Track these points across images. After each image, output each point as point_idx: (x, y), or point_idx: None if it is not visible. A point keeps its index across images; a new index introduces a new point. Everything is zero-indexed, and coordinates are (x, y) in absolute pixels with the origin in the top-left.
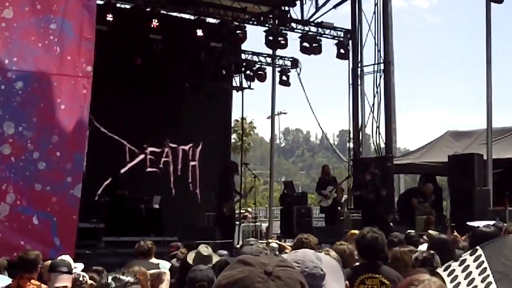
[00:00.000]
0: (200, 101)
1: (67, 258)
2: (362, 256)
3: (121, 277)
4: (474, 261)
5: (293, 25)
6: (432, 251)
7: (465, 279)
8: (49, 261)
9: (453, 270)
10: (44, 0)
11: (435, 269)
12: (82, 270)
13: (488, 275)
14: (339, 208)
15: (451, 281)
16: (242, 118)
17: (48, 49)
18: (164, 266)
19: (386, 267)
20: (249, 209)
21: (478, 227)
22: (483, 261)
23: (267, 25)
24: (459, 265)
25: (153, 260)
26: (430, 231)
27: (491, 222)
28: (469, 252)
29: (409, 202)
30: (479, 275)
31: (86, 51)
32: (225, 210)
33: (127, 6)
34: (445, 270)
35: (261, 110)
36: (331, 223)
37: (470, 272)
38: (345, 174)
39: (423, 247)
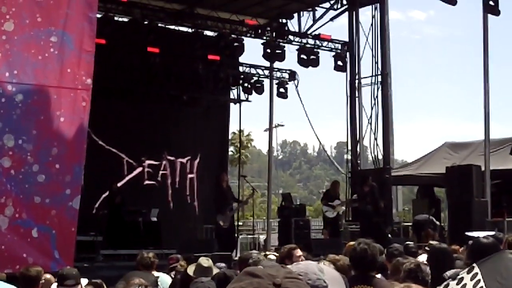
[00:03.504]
0: (198, 113)
1: None
2: (353, 268)
3: None
4: (471, 279)
5: (291, 37)
6: (422, 262)
7: None
8: (48, 275)
9: None
10: (45, 13)
11: (424, 279)
12: None
13: None
14: (339, 223)
15: None
16: (240, 131)
17: (48, 62)
18: (164, 279)
19: (379, 279)
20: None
21: (478, 237)
22: (479, 280)
23: (264, 37)
24: (457, 284)
25: (154, 273)
26: (432, 242)
27: (491, 233)
28: (466, 270)
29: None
30: None
31: (86, 63)
32: (222, 223)
33: (125, 20)
34: None
35: (259, 123)
36: (332, 235)
37: None
38: (343, 186)
39: (422, 257)
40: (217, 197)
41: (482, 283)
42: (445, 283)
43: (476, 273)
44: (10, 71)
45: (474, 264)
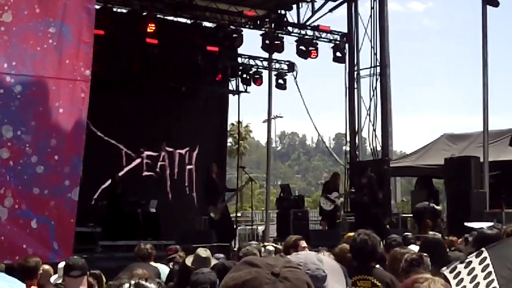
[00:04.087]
0: (197, 105)
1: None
2: (353, 258)
3: (145, 284)
4: (480, 263)
5: (290, 28)
6: (422, 253)
7: (470, 282)
8: (47, 266)
9: (459, 273)
10: (43, 4)
11: (425, 270)
12: None
13: (492, 280)
14: (337, 213)
15: (457, 284)
16: (239, 122)
17: (47, 53)
18: (162, 270)
19: (379, 269)
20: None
21: (483, 228)
22: (488, 264)
23: (263, 29)
24: (465, 267)
25: (152, 264)
26: (431, 232)
27: (489, 224)
28: (475, 254)
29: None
30: (484, 279)
31: (84, 55)
32: (213, 215)
33: (124, 11)
34: (451, 272)
35: (257, 114)
36: (330, 226)
37: (476, 276)
38: (341, 177)
39: (413, 247)
40: (207, 189)
41: (491, 268)
42: (452, 266)
43: (485, 258)
44: (8, 62)
45: (483, 249)
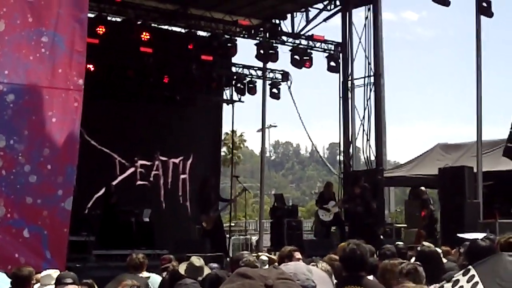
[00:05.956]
0: (191, 114)
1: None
2: (343, 268)
3: None
4: (468, 281)
5: (284, 38)
6: (417, 263)
7: None
8: (39, 275)
9: None
10: (36, 13)
11: (420, 281)
12: None
13: None
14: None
15: None
16: (233, 131)
17: (40, 62)
18: (155, 279)
19: (370, 279)
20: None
21: (476, 239)
22: (477, 282)
23: (258, 38)
24: (453, 286)
25: (144, 273)
26: (425, 243)
27: (483, 234)
28: (461, 272)
29: None
30: None
31: (77, 64)
32: (205, 224)
33: (118, 19)
34: None
35: (251, 123)
36: (326, 236)
37: None
38: (335, 187)
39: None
40: (200, 199)
41: (480, 285)
42: (439, 285)
43: (473, 275)
44: (1, 71)
45: (470, 267)
